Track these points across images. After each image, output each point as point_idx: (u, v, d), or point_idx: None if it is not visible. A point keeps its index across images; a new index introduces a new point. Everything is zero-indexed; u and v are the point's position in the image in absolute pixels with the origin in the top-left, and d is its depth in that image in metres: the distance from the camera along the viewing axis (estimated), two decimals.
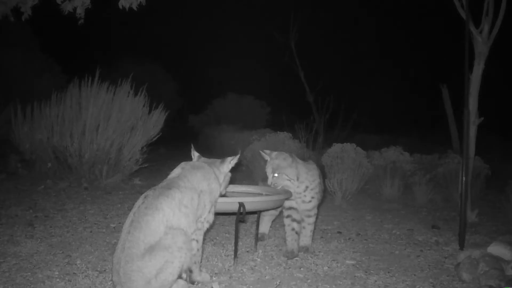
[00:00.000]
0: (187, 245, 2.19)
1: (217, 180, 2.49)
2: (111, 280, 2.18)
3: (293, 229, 3.02)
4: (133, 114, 5.34)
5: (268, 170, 3.00)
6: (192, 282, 2.38)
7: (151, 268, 2.08)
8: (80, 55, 14.43)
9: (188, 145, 2.71)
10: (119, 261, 2.09)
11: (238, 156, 2.61)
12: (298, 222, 3.06)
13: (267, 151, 3.10)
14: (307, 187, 3.02)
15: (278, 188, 3.00)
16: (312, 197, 3.04)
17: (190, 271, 2.37)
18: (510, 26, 4.94)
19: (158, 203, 2.18)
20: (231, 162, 2.59)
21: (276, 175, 2.97)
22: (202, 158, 2.61)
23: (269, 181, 3.00)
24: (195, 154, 2.63)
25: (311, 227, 3.11)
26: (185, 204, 2.25)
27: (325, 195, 4.92)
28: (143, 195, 2.25)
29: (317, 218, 3.20)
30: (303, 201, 3.03)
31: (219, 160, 2.58)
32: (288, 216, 3.05)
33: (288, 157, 3.00)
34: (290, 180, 2.97)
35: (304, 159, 3.25)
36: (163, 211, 2.17)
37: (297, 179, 2.99)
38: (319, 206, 3.21)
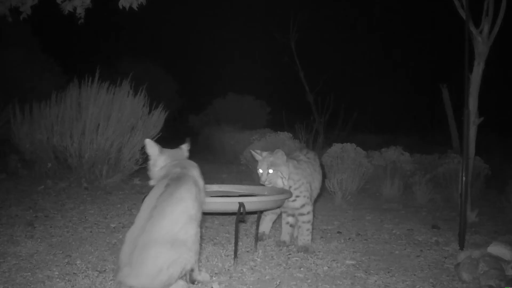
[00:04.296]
0: (199, 240, 2.22)
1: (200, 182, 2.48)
2: (118, 261, 2.15)
3: (287, 222, 3.24)
4: (133, 114, 5.34)
5: (263, 166, 3.08)
6: (193, 281, 2.38)
7: (167, 258, 2.07)
8: (80, 55, 14.44)
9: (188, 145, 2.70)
10: (135, 242, 2.06)
11: (188, 143, 2.65)
12: (294, 215, 3.20)
13: (258, 151, 3.21)
14: (290, 186, 3.10)
15: (270, 186, 3.08)
16: (297, 196, 3.10)
17: (192, 269, 2.37)
18: (510, 26, 4.94)
19: (180, 193, 2.19)
20: (187, 149, 2.62)
21: (271, 171, 3.06)
22: (166, 152, 2.54)
23: (263, 178, 3.08)
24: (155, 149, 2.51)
25: (306, 226, 3.12)
26: (198, 199, 2.28)
27: (325, 195, 4.95)
28: (162, 184, 2.24)
29: (314, 217, 3.20)
30: (287, 200, 3.07)
31: (179, 150, 2.58)
32: (284, 212, 3.24)
33: (284, 155, 3.09)
34: (282, 178, 3.07)
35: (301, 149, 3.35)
36: (186, 202, 2.18)
37: (288, 177, 3.09)
38: (315, 203, 3.22)
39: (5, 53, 9.14)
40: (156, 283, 2.08)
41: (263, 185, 3.13)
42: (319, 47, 15.48)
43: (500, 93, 12.66)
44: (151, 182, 2.45)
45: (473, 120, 4.03)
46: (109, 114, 5.19)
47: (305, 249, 3.08)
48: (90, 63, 5.91)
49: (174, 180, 2.27)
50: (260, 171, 3.10)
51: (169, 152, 2.52)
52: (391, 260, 3.04)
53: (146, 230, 2.07)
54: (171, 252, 2.08)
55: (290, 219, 3.23)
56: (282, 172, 3.07)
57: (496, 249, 2.80)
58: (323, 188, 3.78)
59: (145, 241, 2.06)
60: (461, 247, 3.26)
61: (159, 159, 2.47)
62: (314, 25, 13.82)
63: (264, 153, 3.16)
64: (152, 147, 2.49)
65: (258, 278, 2.57)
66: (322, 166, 3.55)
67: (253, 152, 3.22)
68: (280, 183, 3.09)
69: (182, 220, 2.16)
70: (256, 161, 3.22)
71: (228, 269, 2.68)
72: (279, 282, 2.52)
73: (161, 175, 2.39)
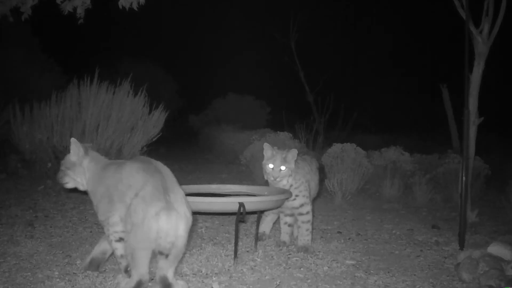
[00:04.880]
0: None
1: None
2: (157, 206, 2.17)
3: (285, 222, 3.24)
4: (133, 114, 5.34)
5: (276, 162, 3.00)
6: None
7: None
8: (80, 55, 14.43)
9: (188, 145, 2.72)
10: (165, 187, 2.19)
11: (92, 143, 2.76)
12: (291, 215, 3.19)
13: (270, 145, 3.12)
14: (291, 185, 3.09)
15: (280, 183, 3.04)
16: (297, 195, 3.09)
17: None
18: (510, 26, 4.93)
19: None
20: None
21: (283, 168, 2.99)
22: (90, 152, 2.57)
23: (275, 174, 3.00)
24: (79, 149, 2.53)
25: (306, 226, 3.12)
26: None
27: (325, 195, 4.95)
28: (147, 161, 2.38)
29: (313, 217, 3.20)
30: (287, 199, 3.06)
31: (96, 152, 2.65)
32: (282, 212, 3.22)
33: (296, 155, 3.05)
34: (289, 177, 3.04)
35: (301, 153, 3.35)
36: None
37: (293, 177, 3.08)
38: (314, 203, 3.21)
39: (5, 53, 9.14)
40: (189, 218, 2.22)
41: (266, 182, 3.11)
42: (319, 47, 15.46)
43: (500, 93, 12.65)
44: (65, 180, 2.55)
45: (473, 120, 4.03)
46: (109, 114, 5.19)
47: (305, 249, 3.08)
48: (90, 63, 5.91)
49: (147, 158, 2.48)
50: (271, 166, 3.00)
51: (92, 152, 2.57)
52: (391, 260, 3.04)
53: (165, 179, 2.25)
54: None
55: (288, 219, 3.22)
56: (292, 170, 3.03)
57: (496, 249, 2.80)
58: (323, 189, 3.78)
59: (171, 184, 2.25)
60: (461, 247, 3.26)
61: (85, 159, 2.52)
62: (314, 25, 13.82)
63: (276, 148, 3.09)
64: (79, 147, 2.53)
65: (258, 278, 2.57)
66: (322, 167, 3.54)
67: (266, 146, 3.09)
68: (285, 181, 3.05)
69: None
70: (260, 159, 3.16)
71: (228, 269, 2.68)
72: (279, 282, 2.52)
73: (101, 173, 2.44)
